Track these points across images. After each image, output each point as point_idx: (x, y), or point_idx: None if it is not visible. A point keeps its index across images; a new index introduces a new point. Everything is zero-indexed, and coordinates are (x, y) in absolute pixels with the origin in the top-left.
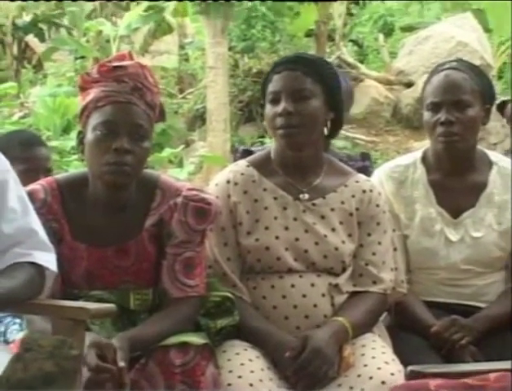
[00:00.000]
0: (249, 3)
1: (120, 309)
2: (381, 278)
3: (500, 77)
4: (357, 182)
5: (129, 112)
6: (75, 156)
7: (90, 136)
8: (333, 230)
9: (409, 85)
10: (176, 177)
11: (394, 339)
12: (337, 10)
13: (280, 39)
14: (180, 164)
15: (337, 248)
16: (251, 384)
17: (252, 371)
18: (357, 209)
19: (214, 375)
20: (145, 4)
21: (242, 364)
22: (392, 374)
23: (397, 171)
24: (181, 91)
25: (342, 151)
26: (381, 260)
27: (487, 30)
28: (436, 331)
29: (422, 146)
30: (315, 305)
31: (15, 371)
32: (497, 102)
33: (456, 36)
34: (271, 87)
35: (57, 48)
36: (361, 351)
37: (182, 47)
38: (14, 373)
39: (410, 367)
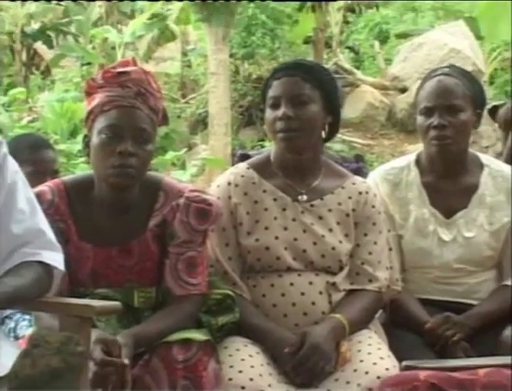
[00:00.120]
0: (250, 11)
1: (124, 307)
2: (376, 277)
3: (491, 83)
4: (354, 184)
5: (133, 116)
6: (81, 159)
7: (95, 139)
8: (331, 230)
9: (404, 90)
10: (179, 179)
11: (389, 335)
12: (335, 18)
13: (279, 46)
14: (183, 167)
15: (334, 248)
16: (251, 379)
17: (252, 366)
18: (353, 210)
19: (215, 371)
20: (149, 12)
21: (243, 359)
22: (387, 369)
23: (392, 173)
24: (184, 96)
25: (338, 153)
26: (377, 259)
27: (479, 37)
28: (430, 328)
29: (416, 149)
30: (313, 303)
31: (23, 366)
32: (489, 107)
33: (448, 43)
34: (271, 92)
35: (64, 55)
36: (358, 347)
37: (184, 54)
38: (22, 369)
39: (405, 362)
